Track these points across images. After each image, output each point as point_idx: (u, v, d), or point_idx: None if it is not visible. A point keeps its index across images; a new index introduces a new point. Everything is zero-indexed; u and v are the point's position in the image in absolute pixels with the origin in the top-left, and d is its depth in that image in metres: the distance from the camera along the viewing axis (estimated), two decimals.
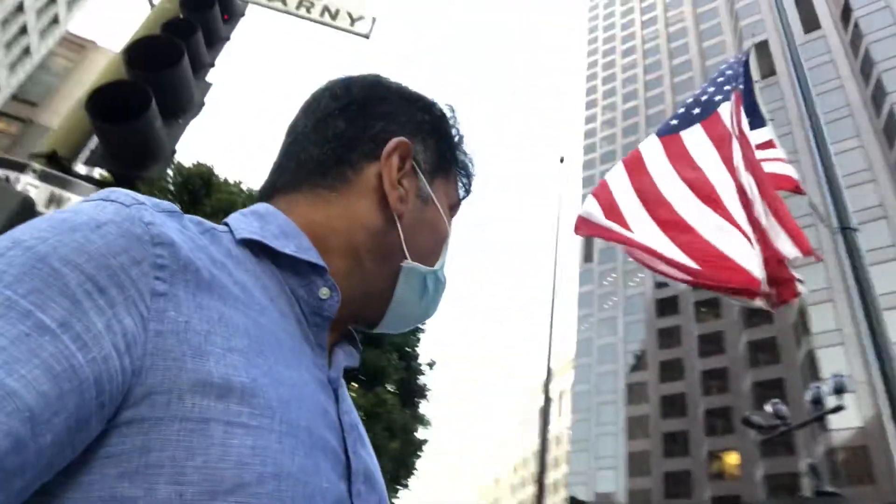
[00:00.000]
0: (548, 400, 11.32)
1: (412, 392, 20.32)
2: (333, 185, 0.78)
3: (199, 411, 0.53)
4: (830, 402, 10.44)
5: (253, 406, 0.56)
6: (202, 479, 0.52)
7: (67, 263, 0.53)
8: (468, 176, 0.93)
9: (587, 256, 70.25)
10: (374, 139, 0.80)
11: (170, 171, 15.49)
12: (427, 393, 20.86)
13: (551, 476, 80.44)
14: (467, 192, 0.94)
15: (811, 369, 37.54)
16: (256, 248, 0.70)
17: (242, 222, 0.73)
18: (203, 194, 16.44)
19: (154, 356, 0.54)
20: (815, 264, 42.11)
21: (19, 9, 34.91)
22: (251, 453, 0.54)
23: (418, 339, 20.88)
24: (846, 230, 4.18)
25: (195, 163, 17.06)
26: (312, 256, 0.72)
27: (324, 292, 0.71)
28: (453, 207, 0.91)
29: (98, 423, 0.52)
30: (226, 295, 0.61)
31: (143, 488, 0.50)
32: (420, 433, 20.36)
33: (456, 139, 0.90)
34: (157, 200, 0.64)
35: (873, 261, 4.09)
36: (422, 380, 20.86)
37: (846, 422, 30.32)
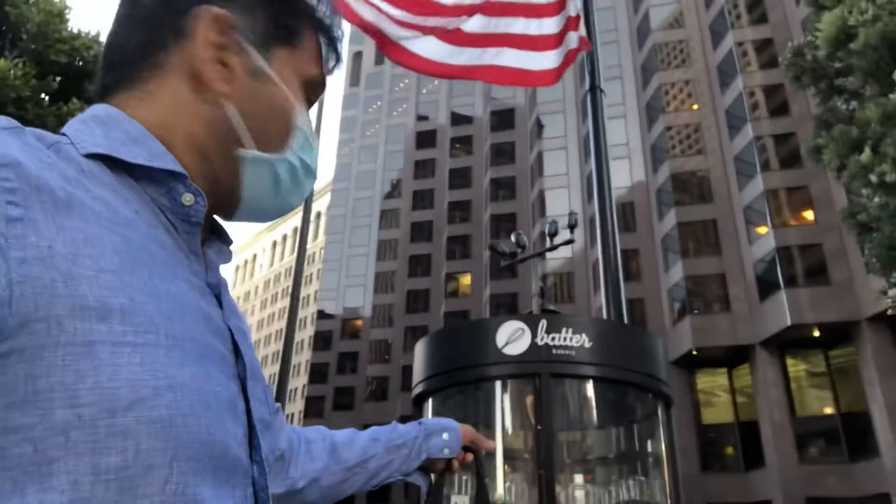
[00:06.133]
0: (306, 222, 11.59)
1: None
2: (155, 75, 0.69)
3: (82, 335, 0.51)
4: (564, 235, 12.24)
5: (136, 325, 0.54)
6: (97, 398, 0.50)
7: None
8: (332, 40, 0.80)
9: (353, 80, 69.17)
10: (184, 13, 0.69)
11: None
12: None
13: (303, 292, 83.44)
14: (337, 59, 0.82)
15: (540, 207, 42.82)
16: (106, 160, 0.62)
17: (84, 132, 0.64)
18: None
19: (22, 284, 0.49)
20: (555, 115, 45.90)
21: None
22: (141, 370, 0.53)
23: None
24: (595, 88, 4.86)
25: None
26: (167, 162, 0.65)
27: (187, 198, 0.65)
28: (312, 81, 0.79)
29: None
30: (87, 213, 0.55)
31: (36, 415, 0.49)
32: None
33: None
34: None
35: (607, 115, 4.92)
36: None
37: (559, 253, 35.63)
